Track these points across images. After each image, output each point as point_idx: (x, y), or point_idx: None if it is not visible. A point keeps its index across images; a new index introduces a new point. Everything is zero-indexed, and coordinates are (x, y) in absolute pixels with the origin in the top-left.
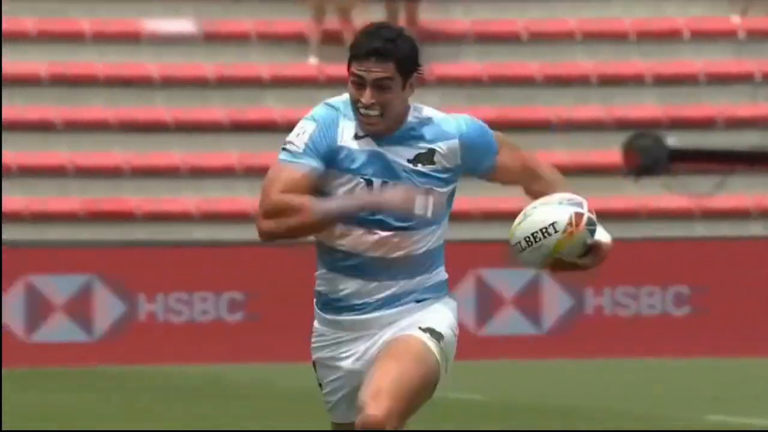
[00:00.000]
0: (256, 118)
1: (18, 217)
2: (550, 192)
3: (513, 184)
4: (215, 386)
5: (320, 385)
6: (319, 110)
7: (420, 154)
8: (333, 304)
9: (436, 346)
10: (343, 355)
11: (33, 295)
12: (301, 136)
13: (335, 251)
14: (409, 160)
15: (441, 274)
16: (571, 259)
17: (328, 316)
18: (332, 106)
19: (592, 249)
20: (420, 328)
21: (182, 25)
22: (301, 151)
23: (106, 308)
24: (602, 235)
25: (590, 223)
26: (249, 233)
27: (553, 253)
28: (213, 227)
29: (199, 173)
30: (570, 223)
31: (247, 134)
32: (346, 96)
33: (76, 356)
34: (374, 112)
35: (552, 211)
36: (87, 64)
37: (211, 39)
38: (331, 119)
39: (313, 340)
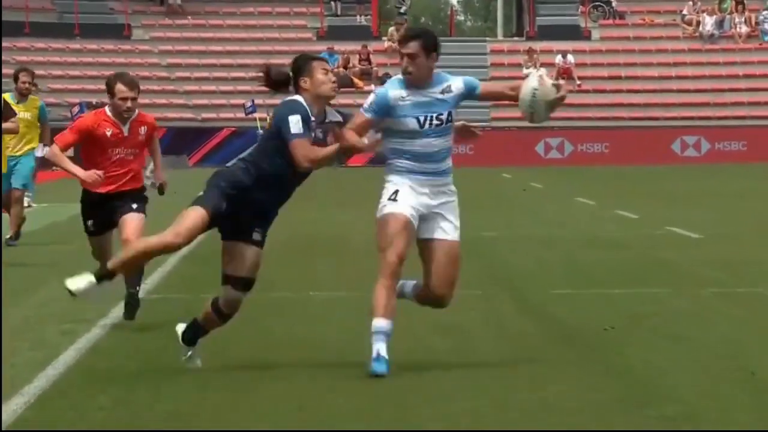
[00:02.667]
0: None
1: None
2: (517, 89)
3: (496, 98)
4: None
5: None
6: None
7: (443, 89)
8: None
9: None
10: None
11: None
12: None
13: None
14: (438, 92)
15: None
16: (553, 97)
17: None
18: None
19: (558, 87)
20: (455, 237)
21: None
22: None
23: None
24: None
25: (548, 78)
26: None
27: (545, 98)
28: None
29: None
30: (539, 81)
31: None
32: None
33: None
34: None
35: (527, 84)
36: None
37: None
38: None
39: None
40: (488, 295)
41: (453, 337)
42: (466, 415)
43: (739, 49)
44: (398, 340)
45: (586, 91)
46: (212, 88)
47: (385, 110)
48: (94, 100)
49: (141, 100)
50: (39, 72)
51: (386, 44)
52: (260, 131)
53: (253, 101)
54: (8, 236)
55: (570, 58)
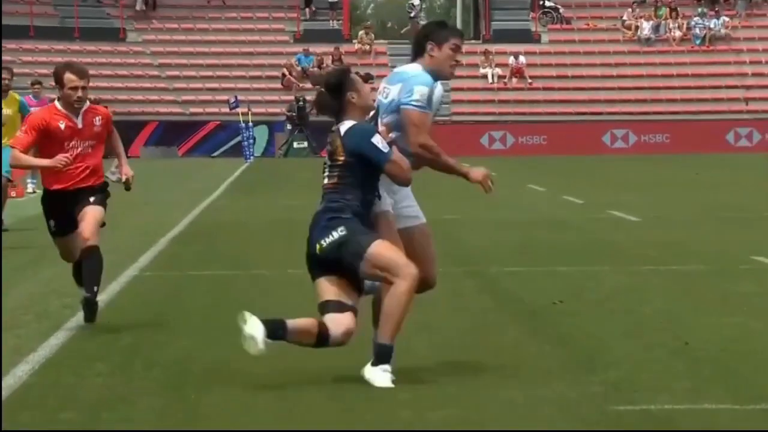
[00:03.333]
0: None
1: None
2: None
3: None
4: None
5: None
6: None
7: None
8: None
9: None
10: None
11: None
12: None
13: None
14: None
15: None
16: None
17: None
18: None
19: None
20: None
21: None
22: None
23: None
24: None
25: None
26: None
27: None
28: None
29: None
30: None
31: None
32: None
33: None
34: None
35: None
36: None
37: None
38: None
39: None
40: (449, 273)
41: (418, 311)
42: (428, 375)
43: (672, 51)
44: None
45: (537, 89)
46: (199, 85)
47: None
48: (92, 96)
49: (134, 97)
50: (42, 71)
51: (356, 46)
52: (242, 125)
53: (236, 97)
54: None
55: (522, 59)
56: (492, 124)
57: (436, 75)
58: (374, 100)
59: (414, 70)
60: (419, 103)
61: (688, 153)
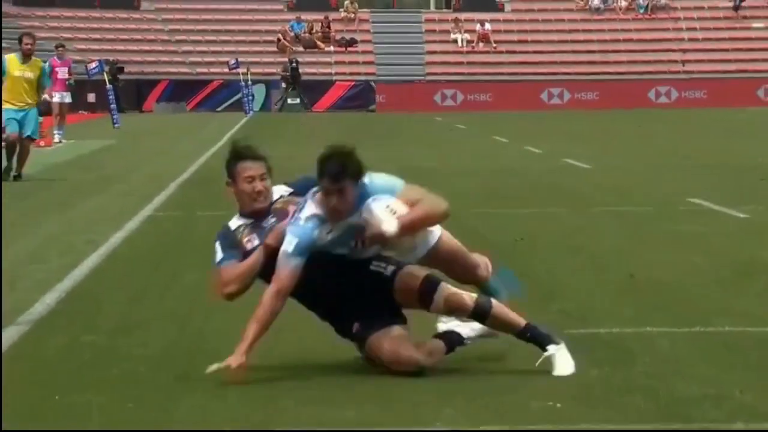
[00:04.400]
0: None
1: None
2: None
3: None
4: None
5: None
6: None
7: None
8: None
9: None
10: None
11: None
12: None
13: None
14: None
15: None
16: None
17: None
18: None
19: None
20: None
21: None
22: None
23: None
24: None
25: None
26: None
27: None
28: None
29: None
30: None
31: None
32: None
33: None
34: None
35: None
36: None
37: None
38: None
39: None
40: None
41: None
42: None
43: (619, 19)
44: None
45: (501, 52)
46: (204, 48)
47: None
48: (110, 58)
49: (147, 58)
50: (66, 36)
51: (343, 14)
52: (242, 84)
53: (236, 59)
54: (18, 173)
55: (488, 26)
56: (443, 83)
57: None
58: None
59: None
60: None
61: (615, 108)
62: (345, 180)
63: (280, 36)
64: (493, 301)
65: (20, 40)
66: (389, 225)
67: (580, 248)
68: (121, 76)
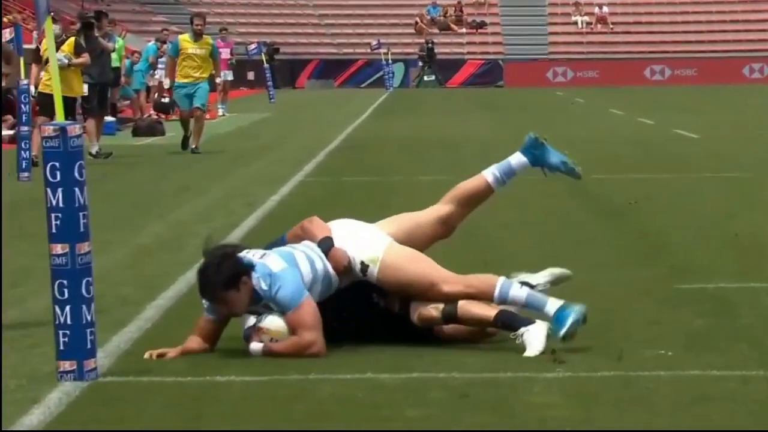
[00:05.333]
0: None
1: None
2: None
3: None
4: None
5: None
6: None
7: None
8: None
9: None
10: None
11: None
12: None
13: None
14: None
15: None
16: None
17: None
18: None
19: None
20: None
21: None
22: None
23: None
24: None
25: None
26: None
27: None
28: None
29: None
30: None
31: None
32: None
33: None
34: None
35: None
36: None
37: None
38: None
39: None
40: (541, 179)
41: (516, 208)
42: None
43: (727, 1)
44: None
45: (616, 33)
46: (350, 31)
47: None
48: (267, 40)
49: (300, 40)
50: (229, 21)
51: None
52: (384, 63)
53: (379, 41)
54: (194, 146)
55: (606, 9)
56: (553, 62)
57: None
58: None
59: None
60: None
61: (712, 84)
62: (218, 298)
63: (417, 19)
64: (459, 303)
65: (191, 21)
66: (255, 346)
67: (689, 210)
68: (277, 57)
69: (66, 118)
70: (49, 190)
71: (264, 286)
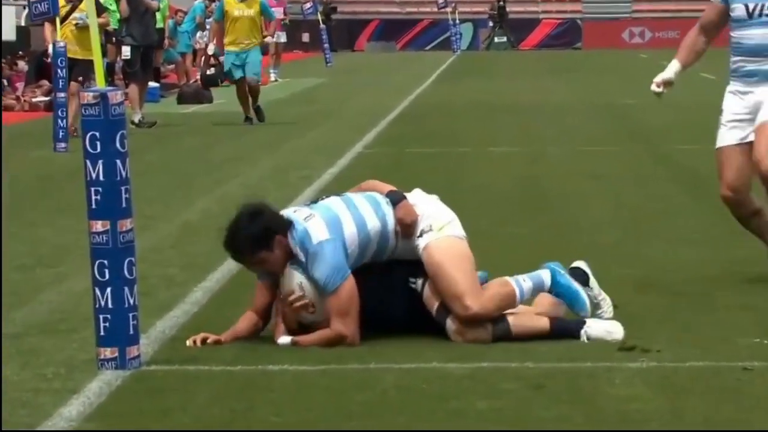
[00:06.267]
0: None
1: None
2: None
3: None
4: None
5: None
6: None
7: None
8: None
9: None
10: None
11: None
12: None
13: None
14: None
15: None
16: None
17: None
18: None
19: None
20: None
21: None
22: None
23: None
24: None
25: None
26: None
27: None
28: None
29: None
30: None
31: None
32: None
33: None
34: None
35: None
36: None
37: None
38: None
39: None
40: (630, 150)
41: (602, 181)
42: (608, 232)
43: None
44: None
45: None
46: None
47: None
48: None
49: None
50: None
51: None
52: (450, 23)
53: None
54: (255, 106)
55: None
56: (631, 20)
57: None
58: None
59: None
60: None
61: None
62: (247, 257)
63: None
64: (509, 319)
65: None
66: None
67: None
68: (334, 16)
69: (82, 85)
70: (88, 162)
71: (301, 257)
